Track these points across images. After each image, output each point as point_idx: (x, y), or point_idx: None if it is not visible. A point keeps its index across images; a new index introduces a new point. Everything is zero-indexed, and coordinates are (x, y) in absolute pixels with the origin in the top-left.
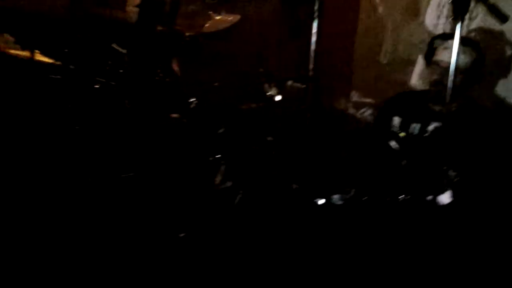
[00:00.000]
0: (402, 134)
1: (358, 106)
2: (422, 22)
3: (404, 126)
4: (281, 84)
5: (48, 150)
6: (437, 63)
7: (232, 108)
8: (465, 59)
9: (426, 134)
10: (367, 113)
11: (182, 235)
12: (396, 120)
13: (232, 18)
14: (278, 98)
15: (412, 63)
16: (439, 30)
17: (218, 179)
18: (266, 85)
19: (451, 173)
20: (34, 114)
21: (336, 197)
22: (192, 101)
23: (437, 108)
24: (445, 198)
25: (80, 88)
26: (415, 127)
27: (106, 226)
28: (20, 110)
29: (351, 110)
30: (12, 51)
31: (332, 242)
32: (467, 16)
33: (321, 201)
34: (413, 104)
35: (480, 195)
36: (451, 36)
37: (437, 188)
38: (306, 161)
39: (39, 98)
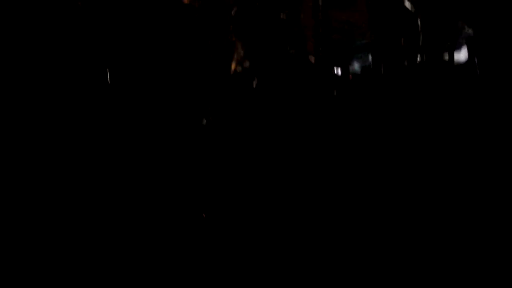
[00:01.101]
0: None
1: None
2: None
3: None
4: None
5: None
6: None
7: None
8: None
9: None
10: None
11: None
12: None
13: None
14: None
15: None
16: None
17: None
18: None
19: (467, 29)
20: None
21: (355, 64)
22: None
23: None
24: (461, 55)
25: None
26: None
27: None
28: None
29: None
30: None
31: (348, 117)
32: None
33: (338, 71)
34: None
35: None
36: None
37: (454, 45)
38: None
39: None
